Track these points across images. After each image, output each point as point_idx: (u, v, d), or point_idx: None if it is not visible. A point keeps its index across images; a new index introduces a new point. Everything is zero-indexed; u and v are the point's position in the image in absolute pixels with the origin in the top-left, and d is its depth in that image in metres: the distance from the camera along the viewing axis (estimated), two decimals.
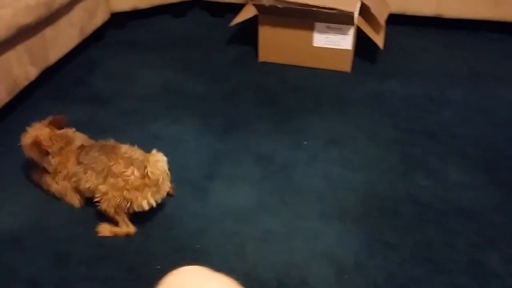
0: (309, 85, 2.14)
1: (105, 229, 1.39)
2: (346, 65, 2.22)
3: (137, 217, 1.45)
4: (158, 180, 1.33)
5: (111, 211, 1.36)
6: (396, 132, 1.85)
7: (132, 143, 1.73)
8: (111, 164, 1.34)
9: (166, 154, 1.68)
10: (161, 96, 2.04)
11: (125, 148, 1.40)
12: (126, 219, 1.39)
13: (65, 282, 1.27)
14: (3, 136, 1.75)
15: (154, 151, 1.37)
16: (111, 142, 1.44)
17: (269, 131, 1.85)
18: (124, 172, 1.33)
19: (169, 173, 1.39)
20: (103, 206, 1.35)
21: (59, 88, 2.05)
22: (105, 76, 2.15)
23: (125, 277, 1.28)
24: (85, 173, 1.38)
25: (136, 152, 1.39)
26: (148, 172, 1.32)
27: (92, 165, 1.37)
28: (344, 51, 2.18)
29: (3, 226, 1.42)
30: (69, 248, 1.36)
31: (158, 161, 1.34)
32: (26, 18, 1.70)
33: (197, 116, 1.91)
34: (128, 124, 1.86)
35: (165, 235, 1.41)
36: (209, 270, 0.80)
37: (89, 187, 1.38)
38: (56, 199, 1.50)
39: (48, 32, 1.92)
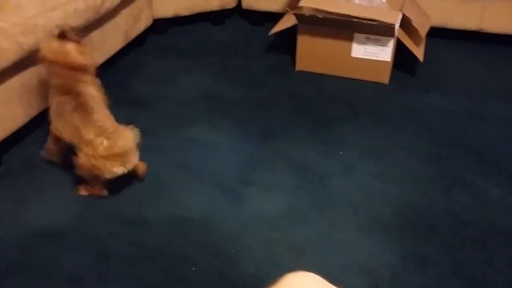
0: (346, 95, 2.13)
1: (83, 189, 1.53)
2: (384, 77, 2.20)
3: (173, 219, 1.48)
4: (125, 152, 1.46)
5: (84, 174, 1.48)
6: (435, 146, 1.82)
7: (169, 146, 1.79)
8: (83, 132, 1.44)
9: (202, 158, 1.74)
10: (199, 101, 2.07)
11: (98, 115, 1.48)
12: (99, 183, 1.50)
13: (104, 279, 1.30)
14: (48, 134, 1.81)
15: (124, 127, 1.49)
16: (89, 103, 1.50)
17: (305, 140, 1.85)
18: (94, 140, 1.43)
19: (136, 147, 1.51)
20: (78, 168, 1.47)
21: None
22: (145, 80, 2.21)
23: (162, 277, 1.30)
24: (58, 119, 1.50)
25: (108, 122, 1.49)
26: (115, 145, 1.44)
27: (65, 117, 1.48)
28: (383, 62, 2.16)
29: (48, 220, 1.46)
30: (109, 246, 1.39)
31: (126, 136, 1.47)
32: (75, 21, 1.76)
33: (233, 122, 1.93)
34: (166, 128, 1.89)
35: (200, 238, 1.42)
36: (326, 281, 0.77)
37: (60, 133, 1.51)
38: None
39: (95, 35, 1.99)
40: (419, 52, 2.17)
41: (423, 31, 2.16)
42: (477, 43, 2.50)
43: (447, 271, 1.35)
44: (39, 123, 1.80)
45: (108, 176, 1.46)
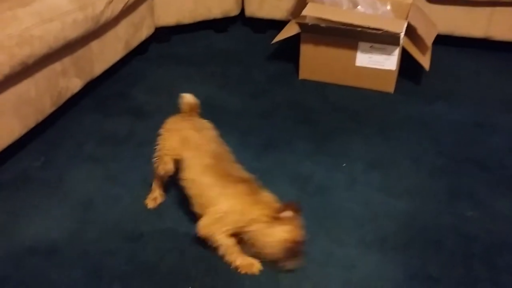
0: (350, 105, 2.09)
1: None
2: (389, 86, 2.15)
3: (171, 234, 1.44)
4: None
5: None
6: (441, 158, 1.77)
7: None
8: None
9: None
10: (200, 111, 2.04)
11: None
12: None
13: None
14: (45, 146, 1.79)
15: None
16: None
17: (308, 151, 1.81)
18: None
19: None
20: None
21: (101, 100, 2.09)
22: (146, 89, 2.18)
23: None
24: None
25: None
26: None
27: None
28: (388, 71, 2.12)
29: (41, 236, 1.43)
30: (103, 263, 1.35)
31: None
32: (74, 32, 1.74)
33: (235, 133, 1.89)
34: None
35: (198, 254, 1.38)
36: None
37: None
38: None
39: (95, 45, 1.97)
40: (425, 60, 2.13)
41: (429, 40, 2.12)
42: (484, 51, 2.45)
43: None
44: (35, 135, 1.78)
45: None
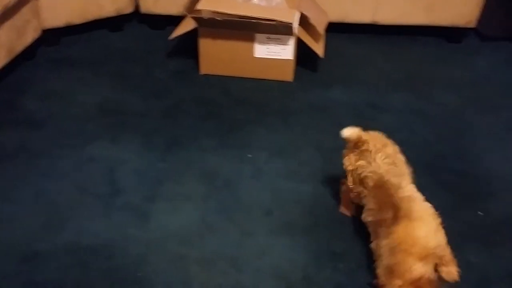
0: (252, 97, 2.11)
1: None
2: (288, 75, 2.21)
3: (71, 249, 1.37)
4: None
5: None
6: (340, 140, 1.85)
7: (66, 168, 1.66)
8: None
9: (103, 178, 1.63)
10: (99, 115, 1.95)
11: None
12: None
13: None
14: None
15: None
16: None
17: (213, 146, 1.80)
18: None
19: None
20: None
21: None
22: (37, 96, 2.04)
23: None
24: None
25: None
26: None
27: None
28: (286, 61, 2.17)
29: None
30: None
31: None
32: None
33: (137, 135, 1.84)
34: (63, 147, 1.76)
35: (104, 265, 1.33)
36: None
37: None
38: None
39: None
40: (319, 48, 2.21)
41: (321, 28, 2.20)
42: (374, 36, 2.60)
43: (356, 263, 1.37)
44: None
45: None
